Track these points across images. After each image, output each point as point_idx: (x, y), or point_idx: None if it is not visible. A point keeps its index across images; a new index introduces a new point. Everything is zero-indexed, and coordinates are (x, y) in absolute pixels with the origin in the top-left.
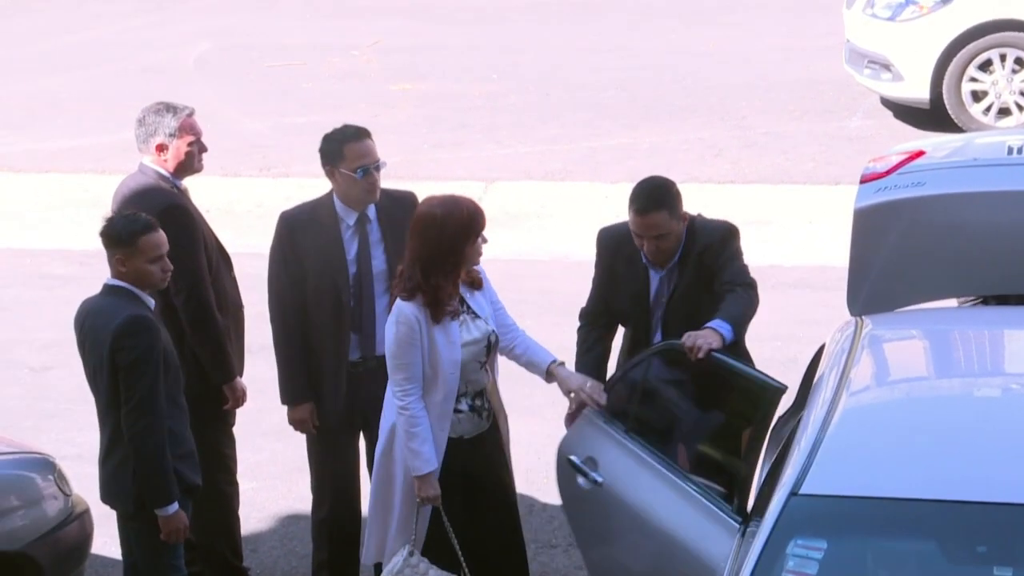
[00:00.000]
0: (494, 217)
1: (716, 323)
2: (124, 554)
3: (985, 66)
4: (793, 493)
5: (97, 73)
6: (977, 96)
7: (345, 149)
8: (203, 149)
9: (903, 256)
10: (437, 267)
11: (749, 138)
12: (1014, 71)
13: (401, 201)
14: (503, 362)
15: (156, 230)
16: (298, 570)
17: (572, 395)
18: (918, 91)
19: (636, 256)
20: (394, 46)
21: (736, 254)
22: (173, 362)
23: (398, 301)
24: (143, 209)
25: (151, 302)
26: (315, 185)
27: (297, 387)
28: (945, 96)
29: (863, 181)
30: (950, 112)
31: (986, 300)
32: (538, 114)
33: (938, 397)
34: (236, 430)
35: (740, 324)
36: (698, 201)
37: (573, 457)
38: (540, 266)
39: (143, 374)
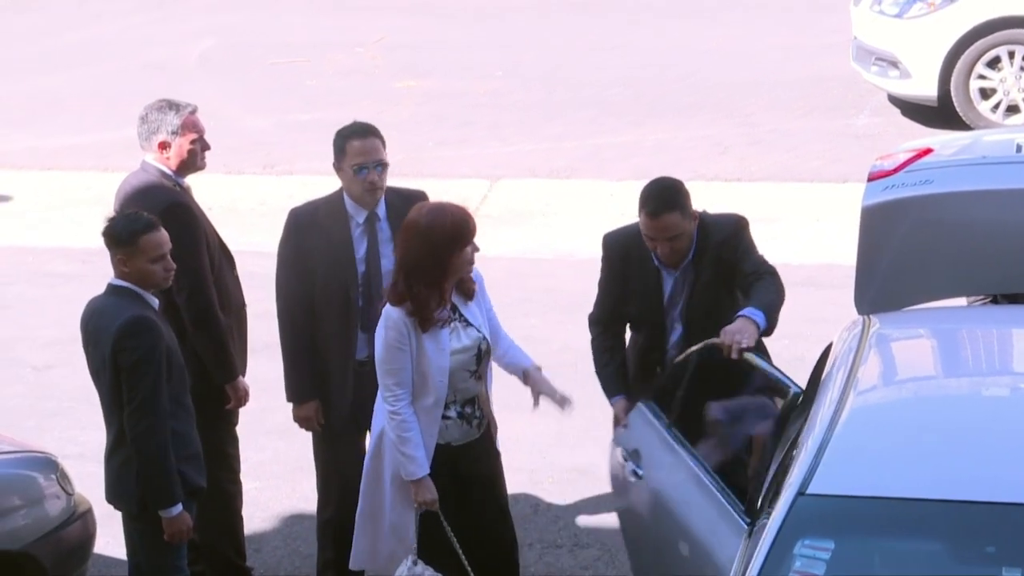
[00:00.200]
0: (499, 215)
1: (749, 311)
2: (128, 554)
3: (993, 63)
4: (800, 493)
5: (99, 70)
6: (985, 93)
7: (347, 146)
8: (206, 147)
9: (911, 254)
10: (421, 277)
11: (755, 136)
12: (1022, 68)
13: (412, 199)
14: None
15: (157, 229)
16: (302, 570)
17: (538, 400)
18: (926, 88)
19: (647, 258)
20: (398, 43)
21: (751, 245)
22: (177, 362)
23: (387, 306)
24: (145, 207)
25: (155, 302)
26: (319, 183)
27: (303, 385)
28: (953, 93)
29: (871, 179)
30: (958, 109)
31: (995, 299)
32: (542, 111)
33: (946, 396)
34: (239, 429)
35: (772, 311)
36: (704, 199)
37: (619, 449)
38: (545, 264)
39: (145, 375)
